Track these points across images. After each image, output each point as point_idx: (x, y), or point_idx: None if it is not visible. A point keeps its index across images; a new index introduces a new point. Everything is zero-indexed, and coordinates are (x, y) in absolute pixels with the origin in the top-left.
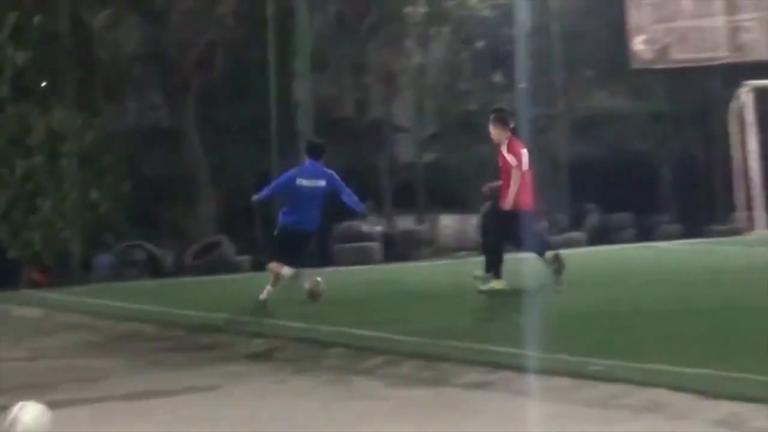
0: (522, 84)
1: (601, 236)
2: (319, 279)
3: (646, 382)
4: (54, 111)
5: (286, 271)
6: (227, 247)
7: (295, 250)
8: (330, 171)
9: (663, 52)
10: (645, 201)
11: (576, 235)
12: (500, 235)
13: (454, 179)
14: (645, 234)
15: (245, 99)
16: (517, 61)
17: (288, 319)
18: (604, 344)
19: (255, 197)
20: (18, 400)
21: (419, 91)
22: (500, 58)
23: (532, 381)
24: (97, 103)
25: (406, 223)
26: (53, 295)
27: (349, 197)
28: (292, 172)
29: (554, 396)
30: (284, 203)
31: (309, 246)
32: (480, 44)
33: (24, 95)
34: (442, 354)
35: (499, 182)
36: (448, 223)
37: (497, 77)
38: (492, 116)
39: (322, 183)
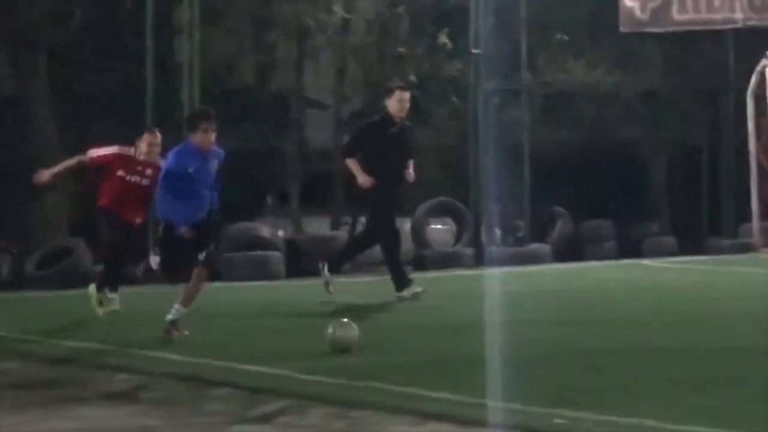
0: (476, 49)
1: (572, 250)
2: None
3: None
4: None
5: None
6: (83, 254)
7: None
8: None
9: (660, 11)
10: (631, 205)
11: (539, 247)
12: None
13: None
14: (629, 248)
15: (112, 59)
16: (470, 18)
17: (161, 350)
18: (570, 392)
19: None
20: None
21: (340, 55)
22: (448, 14)
23: None
24: None
25: (317, 227)
26: None
27: None
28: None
29: None
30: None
31: None
32: None
33: None
34: (359, 399)
35: None
36: None
37: (443, 39)
38: None
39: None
